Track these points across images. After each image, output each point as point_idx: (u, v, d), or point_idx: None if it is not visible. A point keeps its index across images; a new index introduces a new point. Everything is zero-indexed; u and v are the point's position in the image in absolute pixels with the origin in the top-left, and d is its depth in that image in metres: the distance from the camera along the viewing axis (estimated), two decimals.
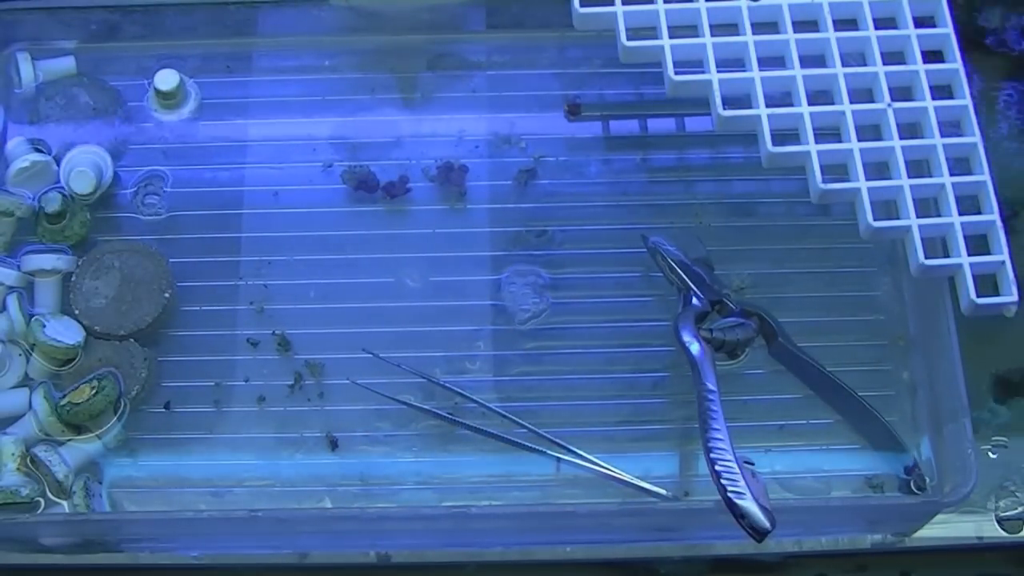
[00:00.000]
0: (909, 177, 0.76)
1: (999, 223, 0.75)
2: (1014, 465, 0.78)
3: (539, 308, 0.81)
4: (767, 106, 0.77)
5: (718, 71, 0.77)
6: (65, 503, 0.76)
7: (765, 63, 0.78)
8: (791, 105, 0.78)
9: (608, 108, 0.87)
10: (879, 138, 0.77)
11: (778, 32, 0.79)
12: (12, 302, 0.79)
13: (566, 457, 0.77)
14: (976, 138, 0.77)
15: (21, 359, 0.79)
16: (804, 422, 0.79)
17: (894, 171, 0.76)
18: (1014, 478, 0.77)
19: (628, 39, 0.78)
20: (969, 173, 0.77)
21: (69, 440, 0.77)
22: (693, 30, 0.79)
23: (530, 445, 0.77)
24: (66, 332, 0.78)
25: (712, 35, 0.78)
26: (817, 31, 0.79)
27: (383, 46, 0.89)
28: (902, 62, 0.79)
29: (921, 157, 0.77)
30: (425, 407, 0.78)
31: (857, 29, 0.79)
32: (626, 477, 0.76)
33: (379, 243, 0.83)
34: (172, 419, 0.79)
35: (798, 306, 0.81)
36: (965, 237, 0.75)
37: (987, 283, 0.74)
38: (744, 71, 0.78)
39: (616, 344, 0.80)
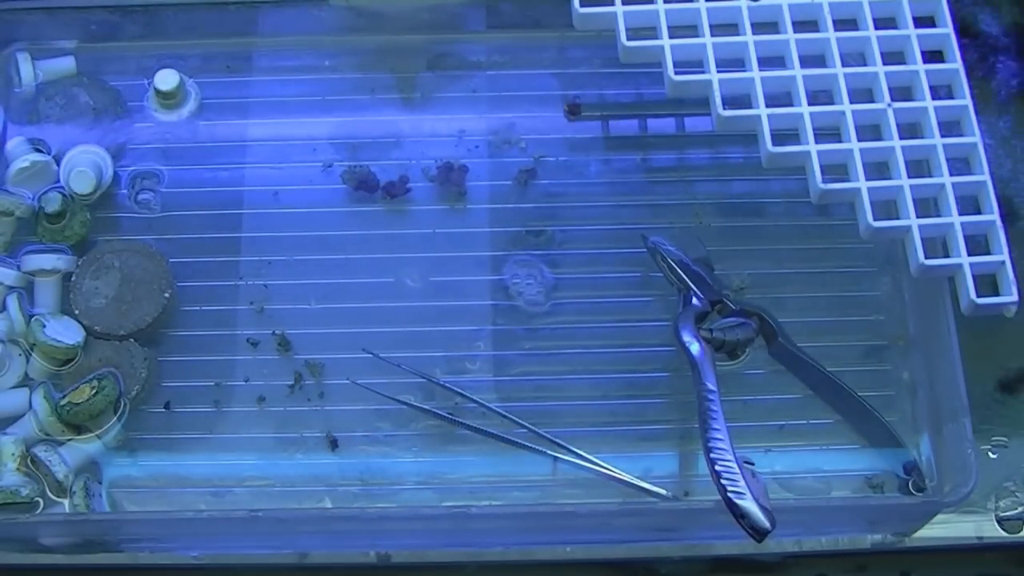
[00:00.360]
0: (909, 177, 0.76)
1: (999, 223, 0.75)
2: (1014, 465, 0.78)
3: (546, 296, 0.81)
4: (767, 106, 0.77)
5: (718, 71, 0.77)
6: (65, 503, 0.76)
7: (765, 63, 0.78)
8: (791, 105, 0.78)
9: (608, 108, 0.87)
10: (879, 138, 0.77)
11: (778, 32, 0.79)
12: (12, 302, 0.79)
13: (566, 457, 0.77)
14: (976, 138, 0.77)
15: (21, 359, 0.79)
16: (804, 422, 0.79)
17: (894, 171, 0.76)
18: (1014, 478, 0.77)
19: (628, 39, 0.78)
20: (969, 173, 0.77)
21: (69, 440, 0.77)
22: (693, 30, 0.79)
23: (530, 445, 0.77)
24: (66, 332, 0.78)
25: (712, 35, 0.78)
26: (817, 31, 0.79)
27: (383, 46, 0.89)
28: (902, 62, 0.79)
29: (921, 157, 0.77)
30: (425, 407, 0.78)
31: (857, 29, 0.79)
32: (626, 477, 0.76)
33: (379, 243, 0.83)
34: (172, 419, 0.79)
35: (798, 306, 0.81)
36: (965, 237, 0.75)
37: (987, 283, 0.74)
38: (744, 71, 0.78)
39: (616, 344, 0.80)
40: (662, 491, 0.76)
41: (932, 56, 0.79)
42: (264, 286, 0.82)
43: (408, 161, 0.85)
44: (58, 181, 0.83)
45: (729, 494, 0.68)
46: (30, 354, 0.79)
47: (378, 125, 0.87)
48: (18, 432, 0.77)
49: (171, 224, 0.83)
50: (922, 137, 0.77)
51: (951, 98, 0.78)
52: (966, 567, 0.77)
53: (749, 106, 0.77)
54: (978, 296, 0.73)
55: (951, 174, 0.76)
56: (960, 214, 0.75)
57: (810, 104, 0.77)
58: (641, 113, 0.87)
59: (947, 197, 0.75)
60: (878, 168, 0.77)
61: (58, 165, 0.83)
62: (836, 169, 0.76)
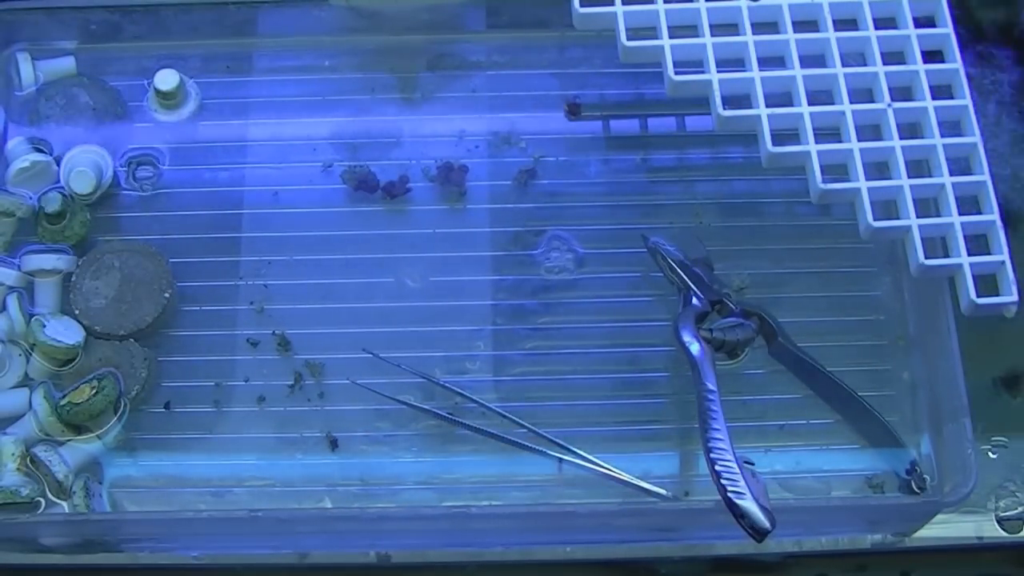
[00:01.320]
0: (909, 177, 0.76)
1: (999, 223, 0.75)
2: (1014, 465, 0.78)
3: (573, 261, 0.81)
4: (767, 106, 0.77)
5: (718, 71, 0.77)
6: (65, 503, 0.76)
7: (765, 63, 0.78)
8: (791, 105, 0.78)
9: (608, 108, 0.87)
10: (879, 138, 0.77)
11: (778, 32, 0.79)
12: (12, 302, 0.79)
13: (566, 457, 0.77)
14: (976, 138, 0.77)
15: (21, 359, 0.79)
16: (804, 422, 0.79)
17: (894, 171, 0.76)
18: (1014, 478, 0.77)
19: (628, 39, 0.78)
20: (969, 173, 0.77)
21: (69, 440, 0.77)
22: (693, 30, 0.79)
23: (530, 445, 0.77)
24: (66, 332, 0.78)
25: (712, 35, 0.78)
26: (817, 31, 0.79)
27: (383, 46, 0.89)
28: (902, 62, 0.79)
29: (921, 157, 0.77)
30: (425, 407, 0.78)
31: (857, 29, 0.79)
32: (626, 477, 0.76)
33: (379, 243, 0.83)
34: (172, 419, 0.79)
35: (798, 306, 0.81)
36: (965, 237, 0.75)
37: (987, 283, 0.74)
38: (744, 71, 0.78)
39: (616, 344, 0.80)
40: (662, 491, 0.76)
41: (932, 56, 0.79)
42: (264, 286, 0.82)
43: (408, 161, 0.85)
44: (58, 181, 0.83)
45: (729, 494, 0.68)
46: (30, 354, 0.79)
47: (378, 125, 0.87)
48: (18, 432, 0.77)
49: (171, 224, 0.83)
50: (922, 137, 0.77)
51: (951, 98, 0.78)
52: (966, 567, 0.77)
53: (749, 106, 0.77)
54: (978, 296, 0.73)
55: (951, 174, 0.76)
56: (960, 214, 0.75)
57: (810, 104, 0.77)
58: (641, 113, 0.87)
59: (947, 197, 0.75)
60: (878, 168, 0.77)
61: (58, 165, 0.83)
62: (836, 169, 0.76)
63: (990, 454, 0.78)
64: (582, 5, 0.79)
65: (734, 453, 0.70)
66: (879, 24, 0.79)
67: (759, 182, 0.84)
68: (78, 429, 0.77)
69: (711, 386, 0.72)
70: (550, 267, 0.82)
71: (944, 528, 0.75)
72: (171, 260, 0.81)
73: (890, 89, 0.78)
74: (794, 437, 0.78)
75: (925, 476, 0.77)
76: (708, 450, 0.70)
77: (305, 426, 0.79)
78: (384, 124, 0.87)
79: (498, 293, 0.82)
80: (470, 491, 0.77)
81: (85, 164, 0.83)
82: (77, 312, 0.79)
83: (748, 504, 0.68)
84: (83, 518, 0.75)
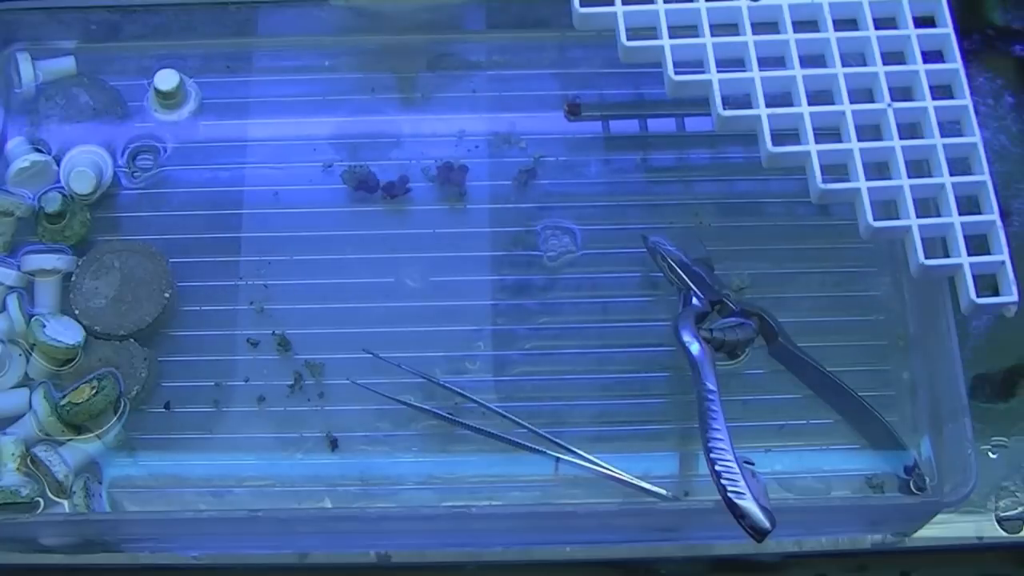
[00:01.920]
0: (909, 177, 0.76)
1: (999, 223, 0.75)
2: (1014, 465, 0.78)
3: (571, 247, 0.81)
4: (767, 106, 0.77)
5: (718, 71, 0.77)
6: (65, 503, 0.76)
7: (765, 63, 0.78)
8: (791, 105, 0.78)
9: (608, 108, 0.87)
10: (879, 138, 0.77)
11: (778, 32, 0.79)
12: (12, 302, 0.79)
13: (566, 457, 0.77)
14: (976, 138, 0.77)
15: (21, 359, 0.79)
16: (804, 422, 0.79)
17: (894, 171, 0.76)
18: (1014, 478, 0.77)
19: (628, 39, 0.78)
20: (969, 173, 0.77)
21: (69, 440, 0.77)
22: (693, 30, 0.79)
23: (530, 445, 0.77)
24: (66, 332, 0.78)
25: (712, 35, 0.78)
26: (817, 31, 0.79)
27: (383, 46, 0.89)
28: (902, 62, 0.79)
29: (921, 157, 0.77)
30: (425, 407, 0.78)
31: (857, 29, 0.79)
32: (626, 477, 0.76)
33: (379, 243, 0.83)
34: (172, 419, 0.79)
35: (798, 306, 0.81)
36: (965, 237, 0.75)
37: (987, 283, 0.74)
38: (744, 71, 0.78)
39: (616, 344, 0.80)
40: (662, 491, 0.76)
41: (932, 56, 0.79)
42: (264, 286, 0.82)
43: (408, 161, 0.85)
44: (58, 181, 0.83)
45: (729, 494, 0.68)
46: (30, 354, 0.79)
47: (378, 125, 0.87)
48: (18, 432, 0.77)
49: (171, 224, 0.83)
50: (922, 137, 0.77)
51: (951, 98, 0.78)
52: (966, 567, 0.77)
53: (749, 106, 0.77)
54: (978, 296, 0.73)
55: (951, 174, 0.76)
56: (960, 214, 0.75)
57: (810, 104, 0.77)
58: (641, 113, 0.87)
59: (947, 197, 0.75)
60: (878, 168, 0.77)
61: (58, 165, 0.83)
62: (836, 169, 0.76)
63: (990, 454, 0.78)
64: (582, 5, 0.79)
65: (734, 453, 0.70)
66: (879, 24, 0.79)
67: (759, 182, 0.84)
68: (78, 429, 0.77)
69: (711, 386, 0.72)
70: (551, 256, 0.82)
71: (944, 528, 0.75)
72: (171, 260, 0.81)
73: (890, 89, 0.78)
74: (794, 437, 0.78)
75: (925, 476, 0.77)
76: (708, 450, 0.70)
77: (305, 426, 0.79)
78: (384, 124, 0.87)
79: (498, 293, 0.82)
80: (470, 491, 0.77)
81: (85, 164, 0.83)
82: (77, 312, 0.79)
83: (748, 504, 0.68)
84: (83, 518, 0.75)
